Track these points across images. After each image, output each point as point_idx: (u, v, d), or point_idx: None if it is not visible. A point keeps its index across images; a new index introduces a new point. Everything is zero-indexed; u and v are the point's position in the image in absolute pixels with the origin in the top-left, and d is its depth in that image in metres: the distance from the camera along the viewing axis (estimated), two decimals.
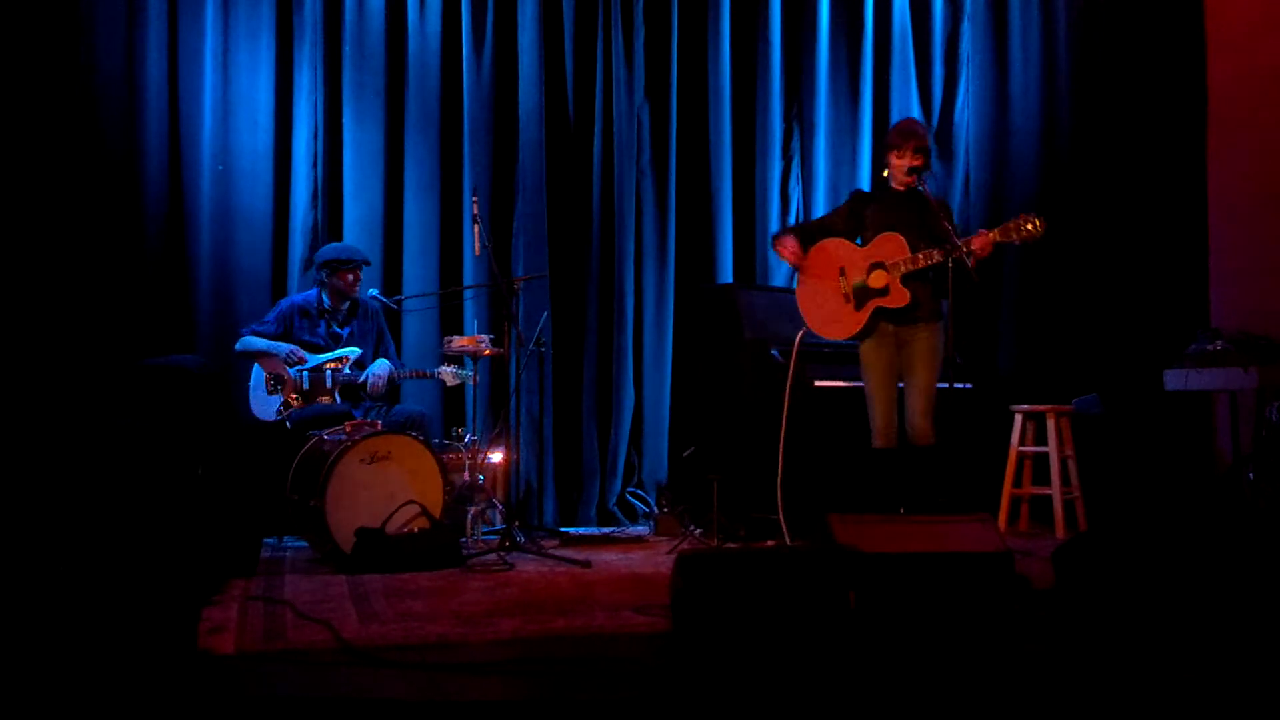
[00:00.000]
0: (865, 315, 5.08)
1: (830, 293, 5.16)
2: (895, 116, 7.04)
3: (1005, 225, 4.91)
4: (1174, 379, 6.27)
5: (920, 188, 5.08)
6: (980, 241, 4.90)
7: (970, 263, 4.87)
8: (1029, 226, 4.86)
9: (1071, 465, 6.30)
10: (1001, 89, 7.37)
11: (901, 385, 5.18)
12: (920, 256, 4.96)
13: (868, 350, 5.14)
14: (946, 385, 6.20)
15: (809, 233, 5.26)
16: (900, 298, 5.03)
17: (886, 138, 5.25)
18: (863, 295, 5.08)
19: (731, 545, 5.62)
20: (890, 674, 3.20)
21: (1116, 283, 6.98)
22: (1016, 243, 4.91)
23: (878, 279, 5.06)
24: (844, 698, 2.99)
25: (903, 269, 5.00)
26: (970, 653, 3.47)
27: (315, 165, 6.50)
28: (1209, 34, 6.89)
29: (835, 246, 5.17)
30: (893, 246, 5.04)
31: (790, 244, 5.19)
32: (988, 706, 2.97)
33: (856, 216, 5.21)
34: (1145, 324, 6.88)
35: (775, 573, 3.32)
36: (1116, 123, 7.09)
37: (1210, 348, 6.13)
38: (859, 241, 5.19)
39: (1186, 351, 6.26)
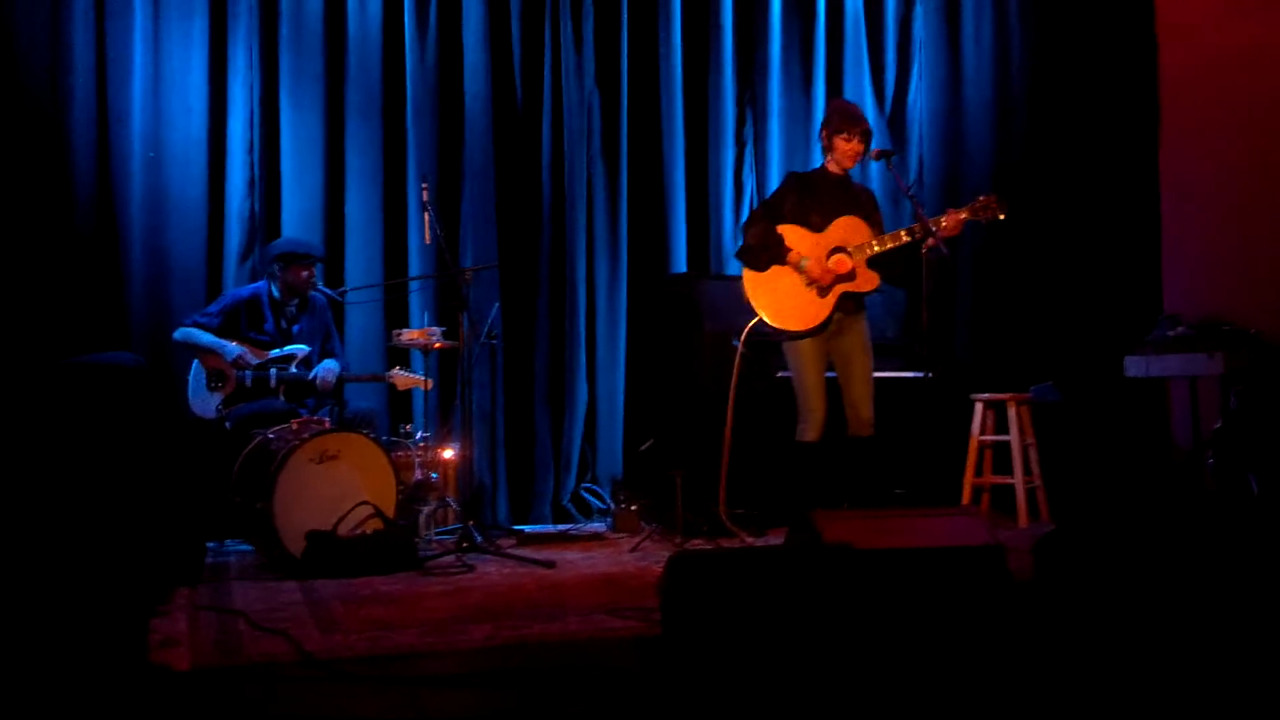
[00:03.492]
0: (832, 302, 4.92)
1: (789, 282, 4.97)
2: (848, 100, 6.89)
3: (971, 204, 4.86)
4: (1135, 365, 6.21)
5: (893, 173, 4.97)
6: (950, 220, 4.80)
7: (935, 241, 4.77)
8: (993, 206, 4.79)
9: (1033, 453, 6.22)
10: (954, 73, 7.27)
11: (833, 375, 5.05)
12: (888, 238, 4.84)
13: (806, 343, 4.98)
14: (906, 374, 6.15)
15: (774, 218, 5.05)
16: (868, 281, 4.90)
17: (829, 121, 5.10)
18: (830, 283, 4.92)
19: (696, 542, 5.45)
20: (892, 673, 3.06)
21: (1072, 268, 6.92)
22: (984, 221, 4.84)
23: (839, 264, 4.91)
24: (845, 699, 2.84)
25: (867, 252, 4.87)
26: (968, 649, 3.33)
27: (251, 152, 6.21)
28: (1160, 18, 6.83)
29: (789, 232, 4.99)
30: (854, 230, 4.92)
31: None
32: (987, 703, 2.84)
33: (800, 201, 5.03)
34: (1101, 310, 6.82)
35: (771, 573, 3.15)
36: (1069, 107, 7.03)
37: (1171, 334, 6.07)
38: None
39: (1147, 338, 6.20)
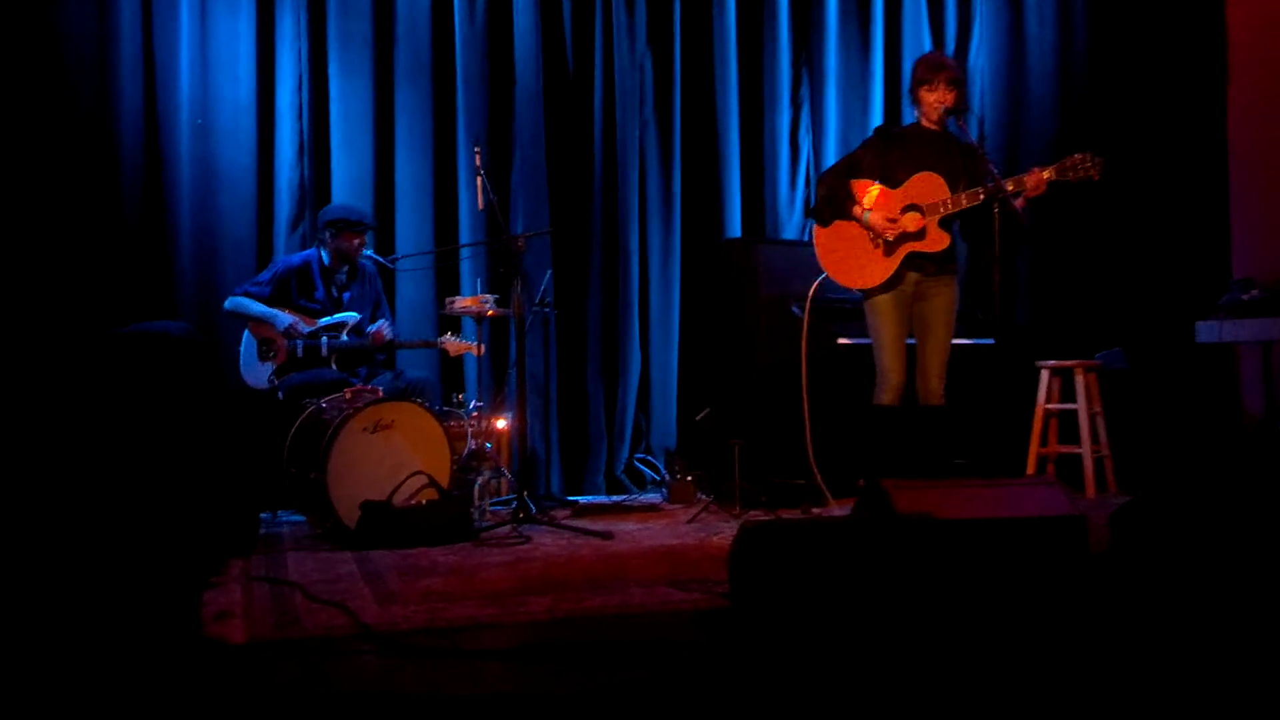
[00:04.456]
0: (896, 261, 4.73)
1: (855, 237, 4.79)
2: (908, 61, 6.69)
3: (1061, 163, 4.59)
4: (1206, 331, 6.04)
5: (957, 128, 4.76)
6: (1034, 179, 4.57)
7: (1019, 204, 4.57)
8: (1088, 165, 4.54)
9: (1100, 422, 6.06)
10: (1016, 31, 7.07)
11: (912, 341, 4.86)
12: (963, 197, 4.63)
13: (884, 301, 4.78)
14: (967, 341, 5.98)
15: (849, 174, 4.85)
16: (938, 241, 4.70)
17: (914, 72, 4.86)
18: (895, 239, 4.74)
19: (755, 513, 5.33)
20: (969, 648, 2.94)
21: (1138, 232, 6.75)
22: (1073, 181, 4.59)
23: (911, 221, 4.72)
24: (922, 675, 2.72)
25: (941, 211, 4.67)
26: (1048, 623, 3.20)
27: (300, 119, 6.12)
28: None
29: (862, 187, 4.80)
30: (930, 187, 4.70)
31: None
32: (1065, 678, 2.71)
33: (883, 156, 4.83)
34: (1168, 274, 6.65)
35: (846, 544, 3.03)
36: (1134, 65, 6.85)
37: (1245, 297, 5.89)
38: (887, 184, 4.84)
39: (1219, 302, 6.02)
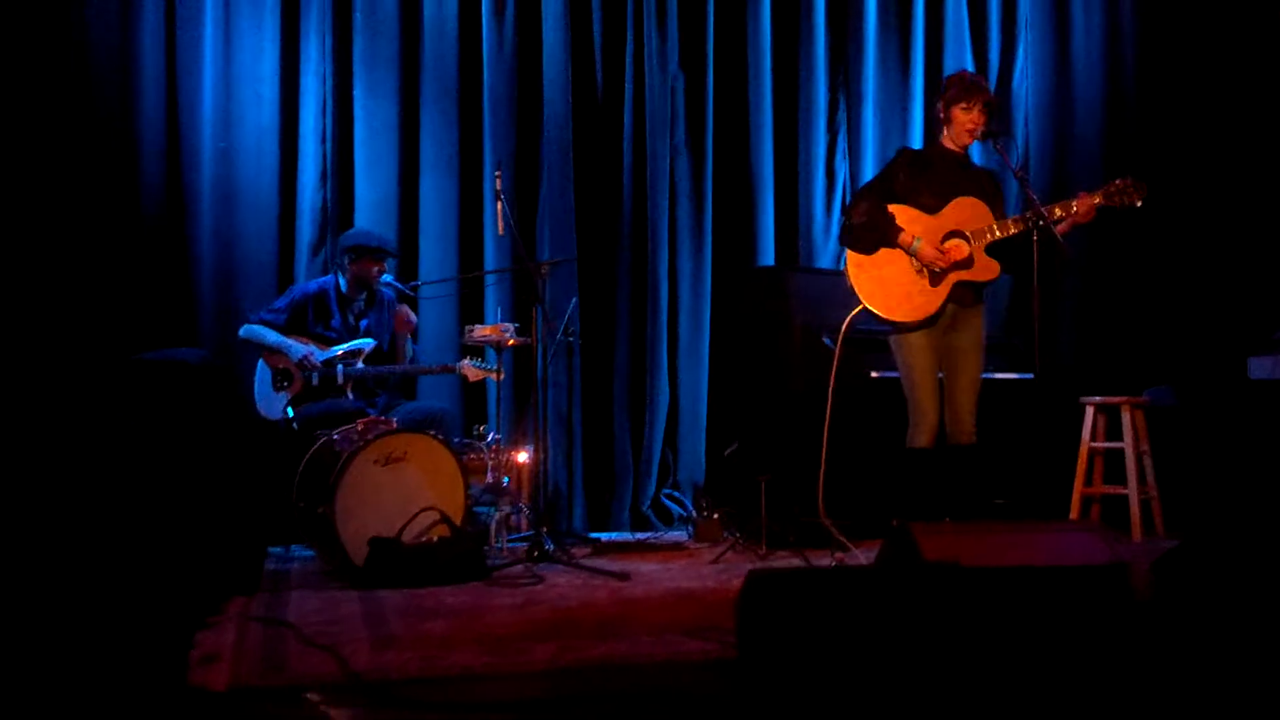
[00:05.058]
0: (944, 292, 4.49)
1: (897, 265, 4.55)
2: None
3: (1106, 188, 4.39)
4: (1260, 367, 5.75)
5: (999, 152, 4.55)
6: (1084, 204, 4.36)
7: (1061, 230, 4.36)
8: (1130, 190, 4.33)
9: (1148, 462, 5.78)
10: (1063, 55, 6.85)
11: (941, 375, 4.62)
12: (1010, 223, 4.41)
13: (919, 337, 4.54)
14: (1010, 375, 5.74)
15: (885, 196, 4.61)
16: (987, 270, 4.48)
17: (947, 90, 4.63)
18: (945, 269, 4.50)
19: (781, 554, 5.12)
20: (996, 710, 2.72)
21: (1189, 263, 6.49)
22: (1118, 208, 4.39)
23: (958, 249, 4.50)
24: None
25: (988, 238, 4.45)
26: (1088, 680, 2.96)
27: (324, 142, 6.01)
28: None
29: (900, 213, 4.57)
30: (974, 213, 4.49)
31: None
32: None
33: (915, 179, 4.59)
34: (1220, 308, 6.38)
35: (862, 595, 2.81)
36: (1186, 88, 6.60)
37: None
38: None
39: (1275, 336, 5.74)
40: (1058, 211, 4.39)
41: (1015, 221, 4.40)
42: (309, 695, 2.87)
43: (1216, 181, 6.47)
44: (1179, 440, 6.07)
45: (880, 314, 4.57)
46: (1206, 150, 6.53)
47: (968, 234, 4.47)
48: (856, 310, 4.68)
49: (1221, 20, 6.51)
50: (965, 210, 4.50)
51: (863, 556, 4.91)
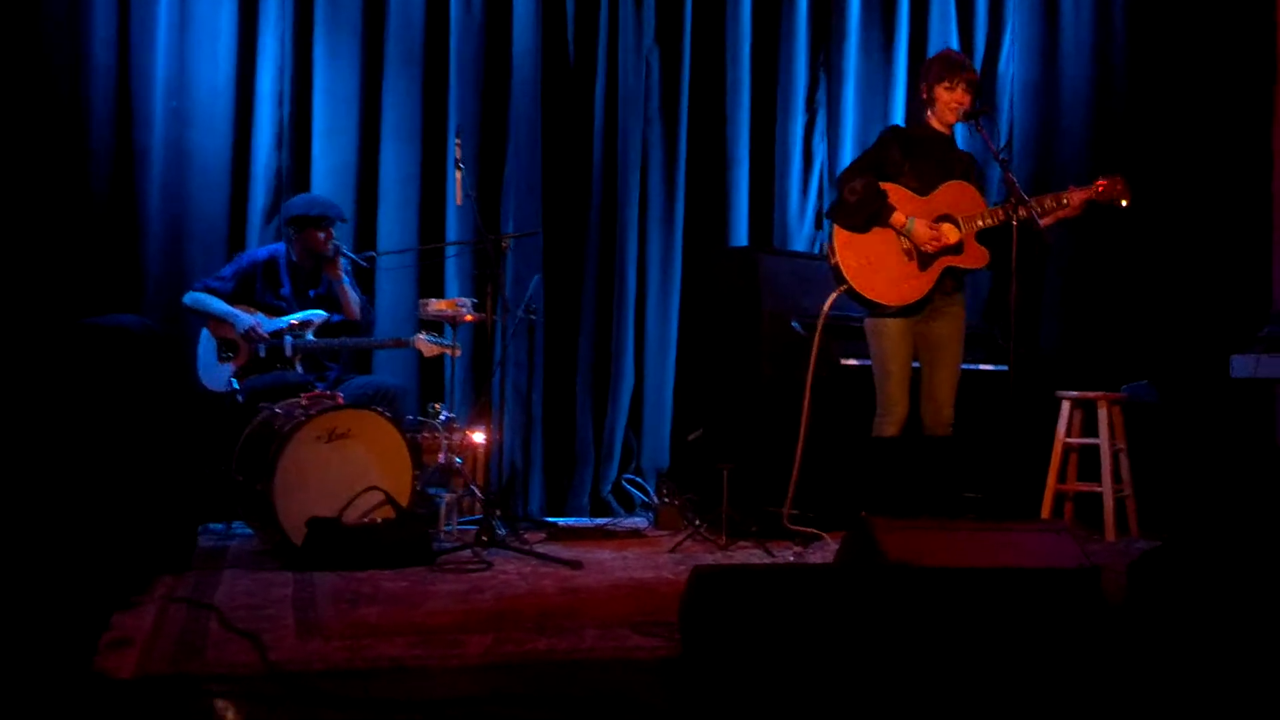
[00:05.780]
0: (934, 276, 4.33)
1: (887, 245, 4.38)
2: None
3: (1096, 184, 4.23)
4: (1242, 365, 5.62)
5: (981, 134, 4.37)
6: (1076, 198, 4.22)
7: (1046, 222, 4.19)
8: (1117, 190, 4.18)
9: (1123, 460, 5.61)
10: (1050, 38, 6.64)
11: (917, 365, 4.47)
12: (1001, 210, 4.25)
13: (897, 324, 4.39)
14: (988, 367, 5.56)
15: (880, 174, 4.44)
16: (977, 257, 4.31)
17: (931, 68, 4.49)
18: (936, 253, 4.34)
19: (743, 544, 4.93)
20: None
21: (1172, 257, 6.31)
22: (1102, 203, 4.23)
23: (950, 233, 4.32)
24: None
25: (978, 224, 4.29)
26: (1054, 689, 2.78)
27: (281, 105, 5.76)
28: None
29: (893, 191, 4.40)
30: (965, 197, 4.34)
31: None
32: None
33: (906, 158, 4.44)
34: (1203, 303, 6.20)
35: (811, 596, 2.62)
36: (1175, 79, 6.41)
37: None
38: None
39: (1259, 335, 5.59)
40: (1048, 203, 4.26)
41: (1007, 209, 4.23)
42: (211, 688, 2.66)
43: (1205, 173, 6.29)
44: (1157, 438, 5.91)
45: (866, 295, 4.41)
46: (1195, 142, 6.35)
47: (958, 219, 4.31)
48: (838, 291, 4.50)
49: (1212, 9, 6.32)
50: (956, 194, 4.36)
51: (829, 547, 4.75)
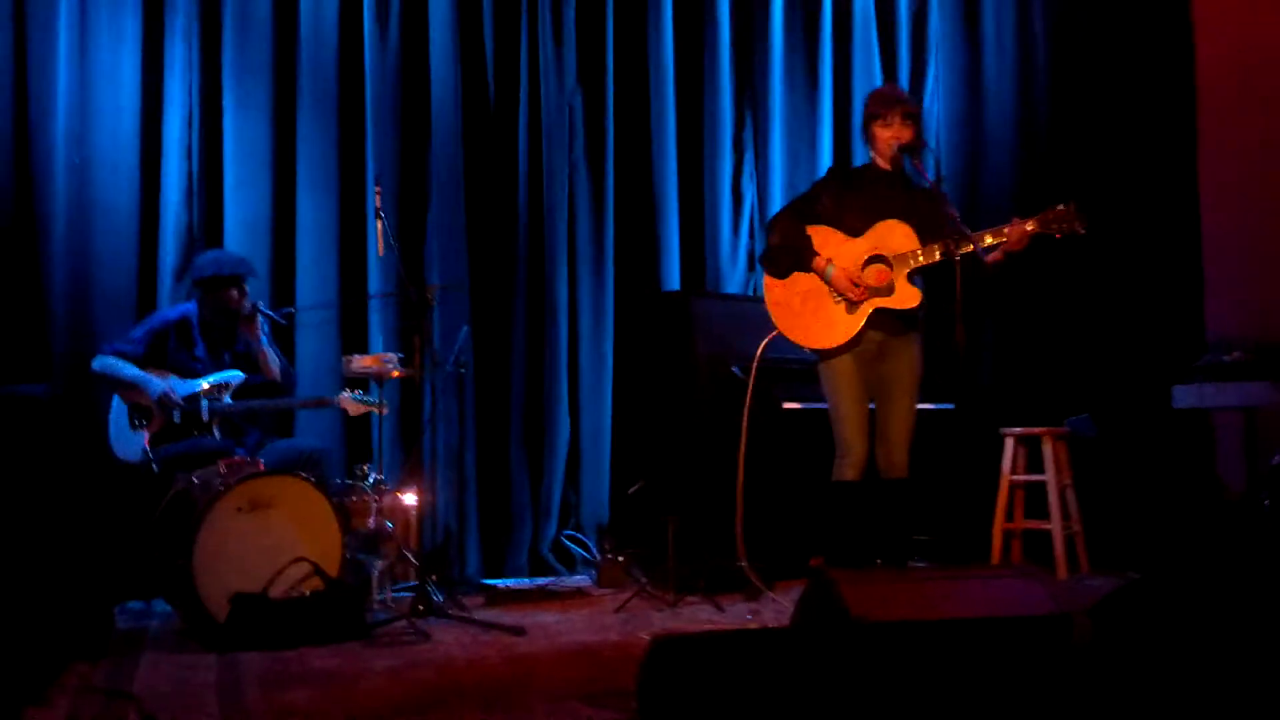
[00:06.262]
0: (860, 319, 4.20)
1: (813, 290, 4.27)
2: (858, 101, 6.19)
3: (1044, 214, 4.11)
4: (1184, 395, 5.54)
5: (913, 168, 4.26)
6: (1017, 231, 4.09)
7: (992, 257, 4.09)
8: (1073, 218, 4.07)
9: (1070, 495, 5.53)
10: (974, 73, 6.61)
11: (872, 406, 4.33)
12: (936, 248, 4.12)
13: (844, 364, 4.25)
14: (930, 406, 5.44)
15: (805, 217, 4.34)
16: (908, 298, 4.17)
17: (866, 106, 4.39)
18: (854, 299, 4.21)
19: (691, 599, 4.74)
20: None
21: (1107, 289, 6.25)
22: (1057, 236, 4.11)
23: (876, 275, 4.20)
24: None
25: (911, 263, 4.15)
26: None
27: (190, 156, 5.50)
28: (1196, 13, 6.21)
29: (819, 235, 4.28)
30: (897, 236, 4.19)
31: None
32: None
33: (839, 199, 4.32)
34: (1140, 335, 6.15)
35: (779, 661, 2.44)
36: (1099, 112, 6.38)
37: (1227, 359, 5.41)
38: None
39: (1198, 365, 5.53)
40: (988, 239, 4.12)
41: (942, 246, 4.11)
42: None
43: (1134, 206, 6.26)
44: (1101, 471, 5.84)
45: (794, 340, 4.31)
46: (1122, 174, 6.32)
47: (890, 259, 4.18)
48: (771, 336, 4.37)
49: (1133, 41, 6.32)
50: (888, 234, 4.22)
51: (782, 600, 4.59)
